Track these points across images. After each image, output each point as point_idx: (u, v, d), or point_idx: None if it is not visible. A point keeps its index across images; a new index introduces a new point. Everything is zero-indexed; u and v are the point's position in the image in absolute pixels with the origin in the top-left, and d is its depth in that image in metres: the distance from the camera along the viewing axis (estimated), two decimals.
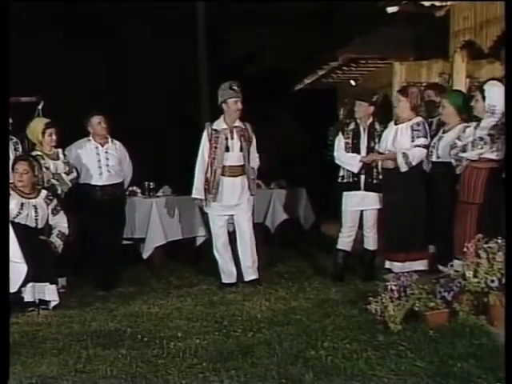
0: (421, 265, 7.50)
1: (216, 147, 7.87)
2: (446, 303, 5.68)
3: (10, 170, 7.20)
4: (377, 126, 7.95)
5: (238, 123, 7.96)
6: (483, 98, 6.67)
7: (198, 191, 7.99)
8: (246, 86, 8.08)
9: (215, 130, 7.92)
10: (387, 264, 7.76)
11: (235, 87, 7.88)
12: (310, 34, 15.60)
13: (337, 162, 8.10)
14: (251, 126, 8.04)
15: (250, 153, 8.00)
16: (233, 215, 8.03)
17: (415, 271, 6.89)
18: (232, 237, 8.13)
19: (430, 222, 7.47)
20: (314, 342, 5.45)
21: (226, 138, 7.88)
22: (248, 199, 8.01)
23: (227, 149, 7.87)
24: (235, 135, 7.91)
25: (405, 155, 7.49)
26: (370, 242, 8.07)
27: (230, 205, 7.92)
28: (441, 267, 7.24)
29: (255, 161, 8.09)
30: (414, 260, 7.53)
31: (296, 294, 7.42)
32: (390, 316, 5.62)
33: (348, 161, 7.96)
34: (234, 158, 7.90)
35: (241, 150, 7.91)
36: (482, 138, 6.61)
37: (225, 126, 7.92)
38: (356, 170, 7.90)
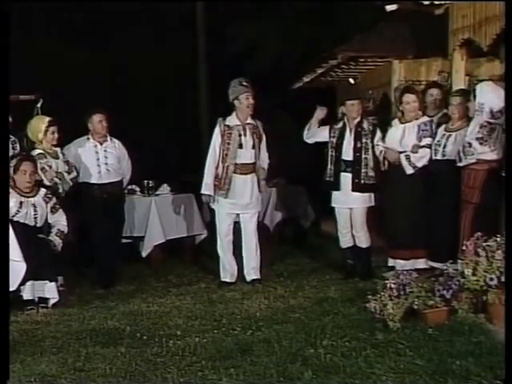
0: (424, 263, 7.46)
1: (229, 143, 7.79)
2: (445, 301, 5.68)
3: (13, 170, 7.21)
4: (364, 125, 7.84)
5: (250, 120, 7.90)
6: (474, 97, 6.67)
7: (207, 187, 7.89)
8: None
9: (228, 126, 7.84)
10: (391, 262, 7.74)
11: (245, 83, 7.83)
12: (309, 32, 15.58)
13: (309, 139, 8.22)
14: (262, 124, 7.99)
15: (260, 150, 7.93)
16: (239, 214, 7.98)
17: (419, 269, 6.89)
18: (236, 236, 8.08)
19: (431, 220, 7.42)
20: (312, 340, 5.45)
21: (240, 135, 7.81)
22: (257, 199, 7.98)
23: (240, 146, 7.81)
24: (248, 132, 7.85)
25: (408, 158, 7.46)
26: (362, 241, 7.96)
27: (241, 203, 7.87)
28: (433, 263, 7.25)
29: (265, 159, 8.01)
30: (418, 258, 7.50)
31: (295, 292, 7.41)
32: (389, 314, 5.63)
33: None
34: (246, 155, 7.84)
35: (253, 147, 7.86)
36: (470, 144, 6.60)
37: (238, 123, 7.85)
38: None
